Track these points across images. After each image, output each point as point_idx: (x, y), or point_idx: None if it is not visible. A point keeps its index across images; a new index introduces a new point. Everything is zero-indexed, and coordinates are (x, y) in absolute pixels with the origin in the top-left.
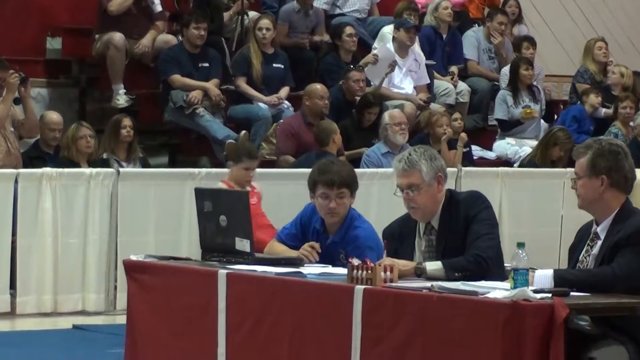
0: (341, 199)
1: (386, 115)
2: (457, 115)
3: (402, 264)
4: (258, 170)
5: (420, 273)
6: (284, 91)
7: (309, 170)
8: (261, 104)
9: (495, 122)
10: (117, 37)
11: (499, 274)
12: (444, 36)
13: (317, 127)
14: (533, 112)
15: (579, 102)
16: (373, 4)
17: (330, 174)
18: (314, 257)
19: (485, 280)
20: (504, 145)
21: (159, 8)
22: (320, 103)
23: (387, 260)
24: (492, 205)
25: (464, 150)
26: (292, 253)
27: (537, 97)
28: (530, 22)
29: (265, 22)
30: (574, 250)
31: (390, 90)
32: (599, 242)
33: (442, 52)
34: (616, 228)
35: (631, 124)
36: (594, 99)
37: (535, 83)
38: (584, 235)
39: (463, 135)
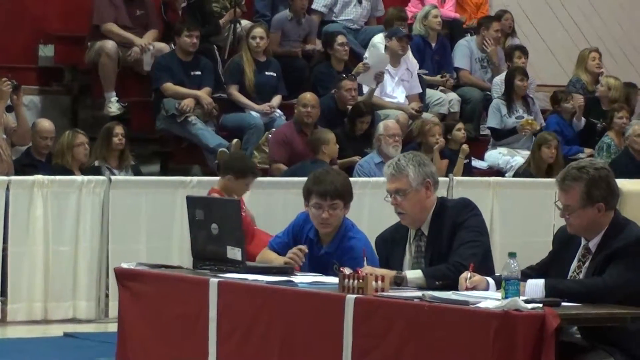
0: (334, 209)
1: (381, 126)
2: (460, 125)
3: (380, 272)
4: None
5: (399, 282)
6: (276, 99)
7: (301, 179)
8: (253, 113)
9: (487, 132)
10: (110, 45)
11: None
12: (433, 45)
13: (311, 135)
14: (534, 124)
15: (554, 112)
16: (372, 16)
17: (324, 184)
18: (300, 260)
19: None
20: (496, 155)
21: (148, 68)
22: (302, 110)
23: (367, 269)
24: (484, 214)
25: (465, 161)
26: (283, 261)
27: (531, 108)
28: (523, 33)
29: (259, 31)
30: (558, 260)
31: (382, 99)
32: (591, 257)
33: (432, 61)
34: (608, 241)
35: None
36: (564, 105)
37: (529, 94)
38: (565, 245)
39: (465, 147)
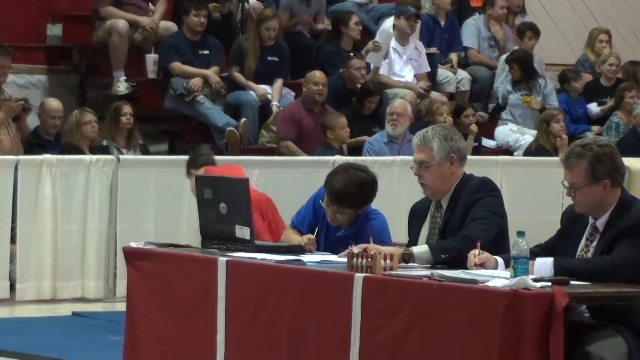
0: (341, 214)
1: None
2: (469, 111)
3: (388, 251)
4: (259, 157)
5: (407, 259)
6: (277, 84)
7: (309, 157)
8: (251, 91)
9: (496, 111)
10: (121, 24)
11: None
12: (442, 24)
13: (321, 115)
14: (532, 102)
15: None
16: None
17: (332, 189)
18: (309, 250)
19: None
20: (506, 132)
21: (153, 75)
22: (314, 89)
23: (371, 247)
24: None
25: (474, 144)
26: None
27: (534, 87)
28: (531, 11)
29: (273, 23)
30: (566, 239)
31: (390, 78)
32: (599, 236)
33: (441, 39)
34: (616, 220)
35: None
36: (573, 84)
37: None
38: (573, 223)
39: (473, 127)
